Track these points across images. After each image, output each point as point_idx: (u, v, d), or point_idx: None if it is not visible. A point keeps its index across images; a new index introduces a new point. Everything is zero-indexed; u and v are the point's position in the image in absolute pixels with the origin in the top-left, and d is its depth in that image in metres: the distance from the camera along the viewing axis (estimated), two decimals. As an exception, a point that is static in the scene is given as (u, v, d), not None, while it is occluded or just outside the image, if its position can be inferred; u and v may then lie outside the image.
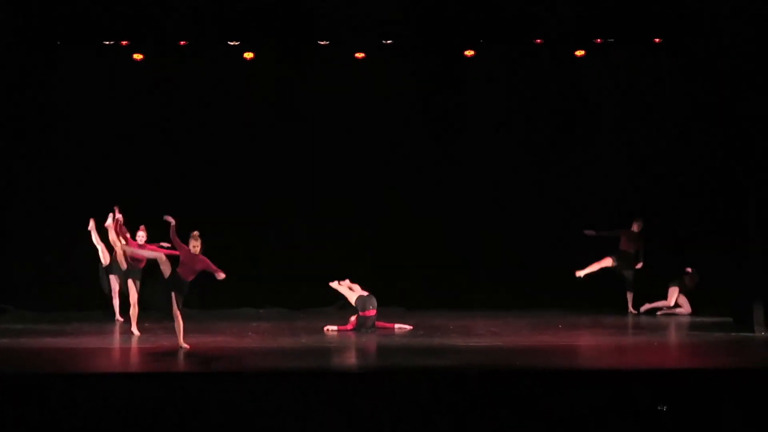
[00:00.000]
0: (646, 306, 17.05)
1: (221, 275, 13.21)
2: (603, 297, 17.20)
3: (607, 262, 16.94)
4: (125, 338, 14.59)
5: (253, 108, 17.65)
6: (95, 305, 16.67)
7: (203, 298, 17.12)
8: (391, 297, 16.56)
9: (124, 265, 15.30)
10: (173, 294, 13.36)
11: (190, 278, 13.39)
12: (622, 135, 17.68)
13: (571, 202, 17.71)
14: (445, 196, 17.84)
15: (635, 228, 17.11)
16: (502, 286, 17.56)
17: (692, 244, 17.10)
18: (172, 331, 13.47)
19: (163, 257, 13.57)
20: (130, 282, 15.20)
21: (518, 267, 17.55)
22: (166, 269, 13.39)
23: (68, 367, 12.31)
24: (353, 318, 15.24)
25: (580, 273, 16.82)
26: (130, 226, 15.44)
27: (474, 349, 13.42)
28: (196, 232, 13.38)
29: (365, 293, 15.36)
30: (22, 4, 15.46)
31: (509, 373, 11.79)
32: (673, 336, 14.88)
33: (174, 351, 13.24)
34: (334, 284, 15.77)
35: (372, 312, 15.16)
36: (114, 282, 15.84)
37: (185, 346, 13.32)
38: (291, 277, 17.63)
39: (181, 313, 13.33)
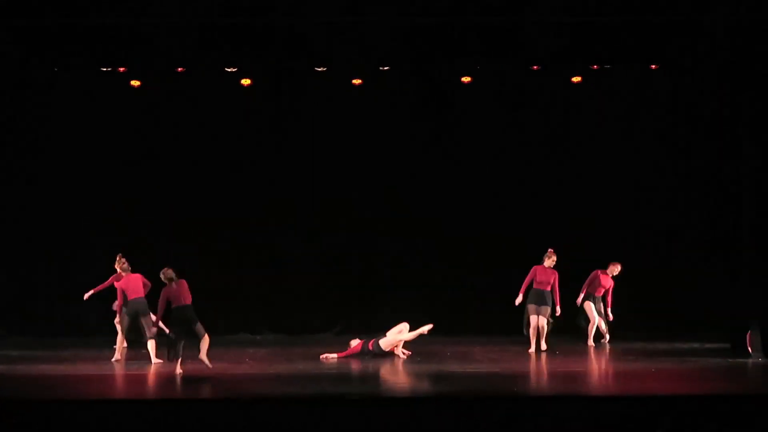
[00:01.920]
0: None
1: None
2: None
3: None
4: (120, 365, 14.54)
5: (250, 132, 17.66)
6: (91, 331, 16.64)
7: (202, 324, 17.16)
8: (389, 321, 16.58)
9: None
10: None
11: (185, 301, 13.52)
12: (619, 149, 17.65)
13: (567, 216, 17.63)
14: (445, 212, 17.82)
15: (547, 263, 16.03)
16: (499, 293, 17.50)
17: (687, 265, 17.08)
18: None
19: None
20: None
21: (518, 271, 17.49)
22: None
23: (65, 394, 12.28)
24: (354, 343, 15.15)
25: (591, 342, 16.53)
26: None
27: (471, 375, 13.41)
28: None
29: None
30: (21, 29, 15.49)
31: (507, 399, 11.77)
32: (670, 362, 14.85)
33: (170, 377, 13.20)
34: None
35: (372, 341, 15.08)
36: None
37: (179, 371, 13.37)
38: (288, 302, 17.64)
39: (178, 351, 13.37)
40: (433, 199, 17.81)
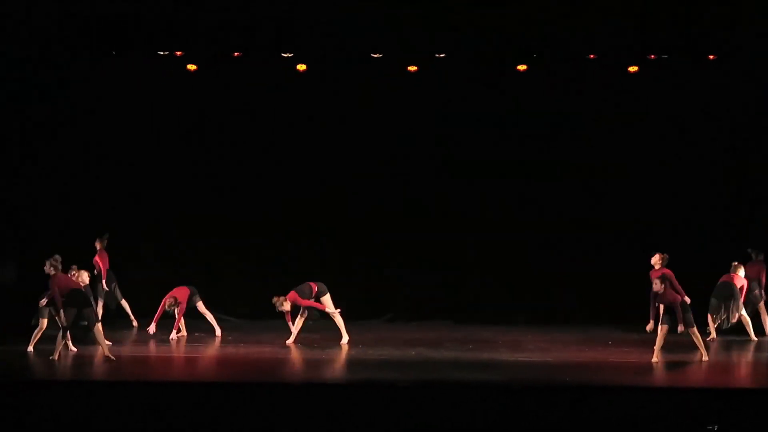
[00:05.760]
0: None
1: None
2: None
3: None
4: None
5: (304, 119, 17.64)
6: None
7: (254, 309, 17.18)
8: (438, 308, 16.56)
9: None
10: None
11: None
12: (661, 146, 17.50)
13: (609, 208, 17.51)
14: (493, 200, 17.71)
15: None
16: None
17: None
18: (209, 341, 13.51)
19: None
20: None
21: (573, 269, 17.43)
22: None
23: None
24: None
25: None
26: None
27: (523, 364, 13.41)
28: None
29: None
30: (79, 13, 15.66)
31: (559, 388, 11.75)
32: (725, 355, 14.70)
33: (207, 360, 13.26)
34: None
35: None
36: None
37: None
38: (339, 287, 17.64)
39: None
40: (484, 187, 17.69)
